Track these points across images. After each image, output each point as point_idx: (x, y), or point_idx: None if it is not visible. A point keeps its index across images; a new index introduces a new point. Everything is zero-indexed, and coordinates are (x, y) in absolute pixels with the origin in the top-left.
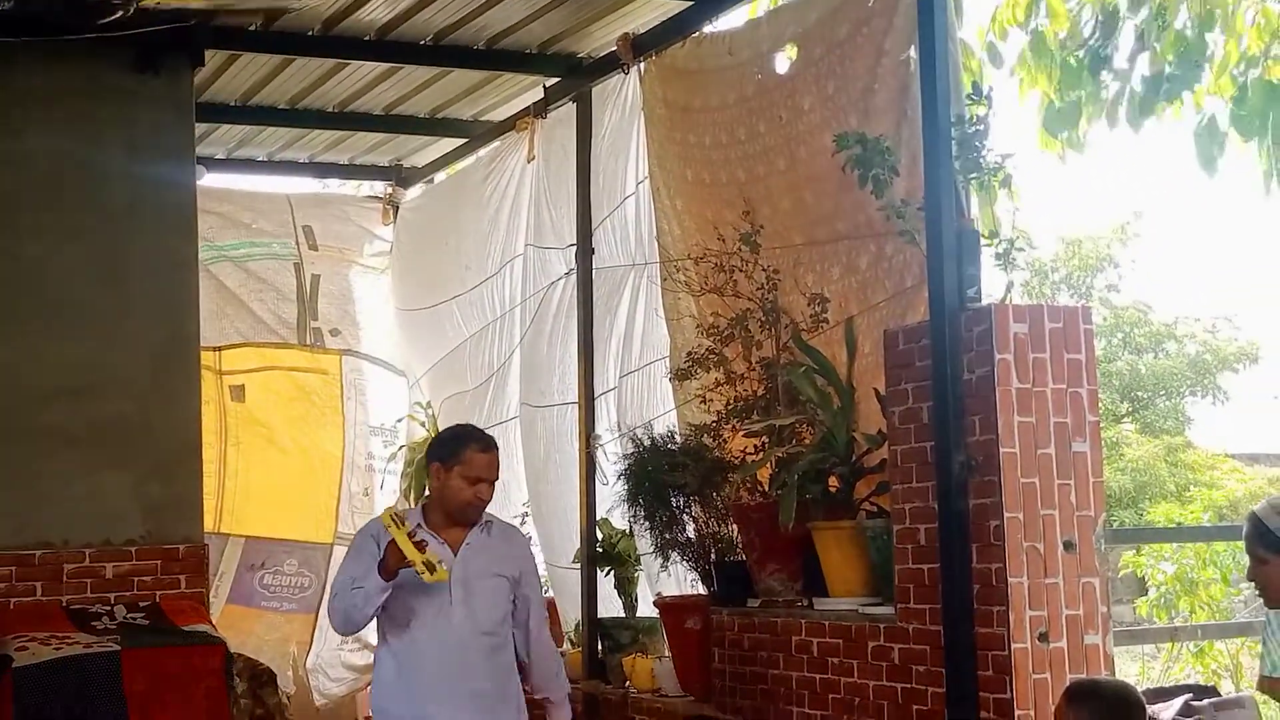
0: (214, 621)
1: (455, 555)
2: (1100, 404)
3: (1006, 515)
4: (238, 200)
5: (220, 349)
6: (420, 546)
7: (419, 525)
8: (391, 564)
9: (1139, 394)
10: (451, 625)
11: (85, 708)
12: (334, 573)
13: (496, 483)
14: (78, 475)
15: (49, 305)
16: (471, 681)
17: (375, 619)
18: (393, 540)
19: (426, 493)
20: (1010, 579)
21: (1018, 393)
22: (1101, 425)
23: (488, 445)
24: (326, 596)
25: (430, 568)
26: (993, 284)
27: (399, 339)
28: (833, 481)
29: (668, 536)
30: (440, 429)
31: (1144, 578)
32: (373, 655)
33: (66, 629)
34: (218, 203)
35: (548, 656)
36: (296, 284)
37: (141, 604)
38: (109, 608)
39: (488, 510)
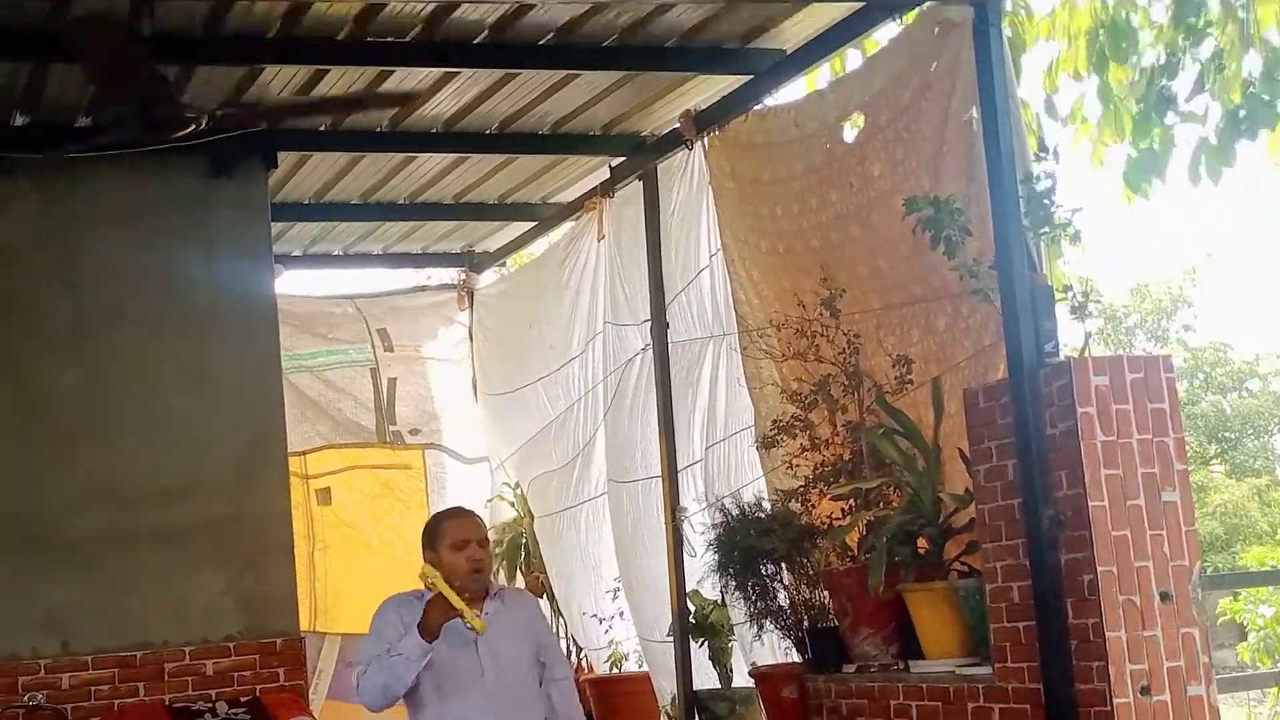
0: (315, 715)
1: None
2: (1187, 448)
3: (1100, 569)
4: (313, 311)
5: (305, 453)
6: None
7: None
8: (434, 619)
9: (1226, 434)
10: (486, 694)
11: None
12: None
13: (484, 545)
14: (174, 575)
15: (140, 411)
16: None
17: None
18: (435, 596)
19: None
20: (1108, 633)
21: (1103, 445)
22: (1190, 469)
23: (459, 510)
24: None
25: (475, 615)
26: (1068, 336)
27: (483, 423)
28: (921, 543)
29: (760, 605)
30: (531, 508)
31: (1243, 623)
32: None
33: None
34: (294, 314)
35: (571, 706)
36: (373, 390)
37: (243, 699)
38: (211, 704)
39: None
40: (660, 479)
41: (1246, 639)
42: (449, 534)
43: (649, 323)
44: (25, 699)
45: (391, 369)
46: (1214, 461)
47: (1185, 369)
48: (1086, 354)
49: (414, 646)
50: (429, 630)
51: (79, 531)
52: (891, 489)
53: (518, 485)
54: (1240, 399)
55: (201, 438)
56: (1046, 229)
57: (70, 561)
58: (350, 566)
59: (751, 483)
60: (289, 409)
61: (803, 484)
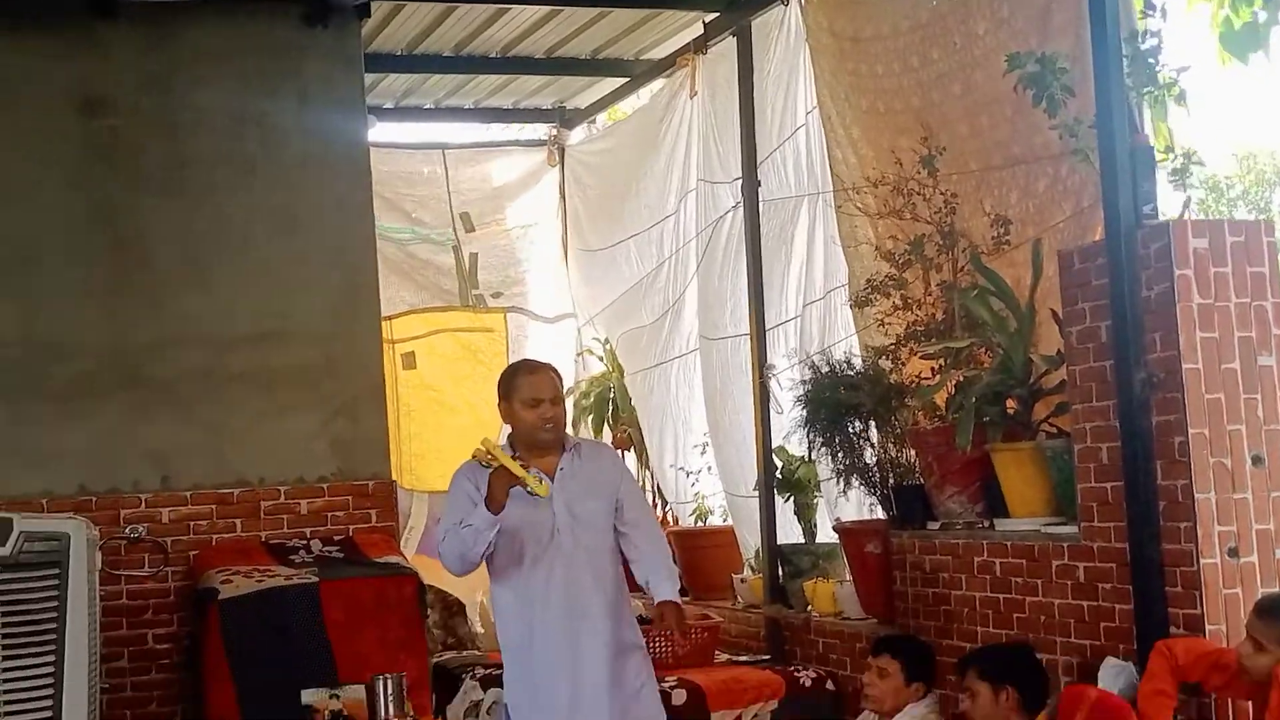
0: (406, 556)
1: (552, 483)
2: None
3: (1191, 431)
4: (400, 188)
5: (390, 318)
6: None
7: (513, 458)
8: (497, 492)
9: None
10: (561, 552)
11: (288, 637)
12: None
13: (558, 403)
14: (269, 417)
15: (234, 256)
16: (587, 603)
17: (486, 562)
18: (496, 469)
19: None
20: (1197, 495)
21: (1199, 308)
22: None
23: (535, 367)
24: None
25: (539, 480)
26: (1167, 203)
27: (573, 280)
28: (1010, 403)
29: (847, 461)
30: (620, 363)
31: None
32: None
33: (267, 563)
34: (381, 187)
35: (658, 547)
36: (455, 263)
37: (336, 538)
38: (305, 542)
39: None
40: (749, 336)
41: None
42: (522, 390)
43: (740, 180)
44: (127, 531)
45: (473, 245)
46: None
47: None
48: (1185, 217)
49: (482, 518)
50: (494, 502)
51: (175, 372)
52: (982, 350)
53: (607, 341)
54: None
55: (294, 283)
56: (1150, 88)
57: (167, 401)
58: (434, 429)
59: (843, 340)
60: None
61: (894, 342)
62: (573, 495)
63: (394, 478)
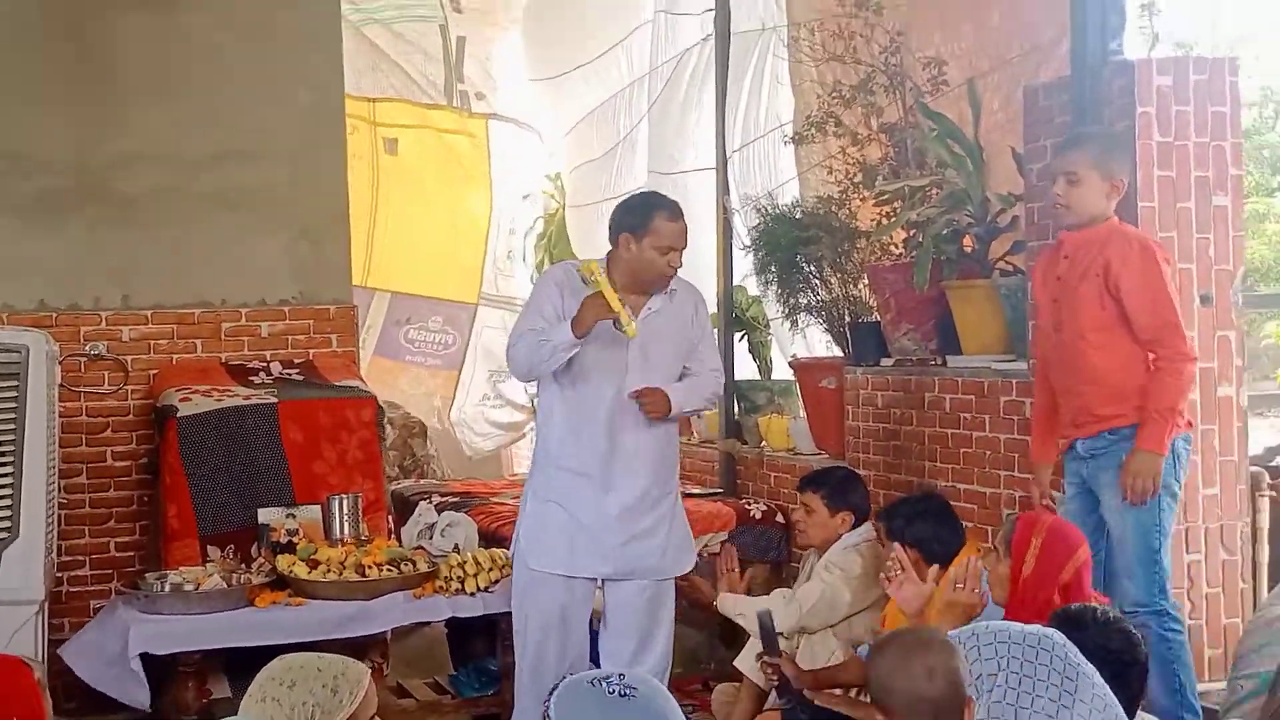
0: (362, 374)
1: (635, 318)
2: (1249, 173)
3: None
4: None
5: (375, 100)
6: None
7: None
8: (588, 316)
9: None
10: (625, 388)
11: (246, 456)
12: (478, 332)
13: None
14: (231, 238)
15: (199, 72)
16: (634, 441)
17: None
18: (596, 293)
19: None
20: None
21: (1159, 146)
22: (1250, 200)
23: (676, 214)
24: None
25: (630, 320)
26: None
27: (533, 108)
28: (967, 242)
29: (801, 300)
30: (569, 201)
31: None
32: (516, 414)
33: (226, 383)
34: None
35: (701, 378)
36: (443, 45)
37: (296, 361)
38: (265, 364)
39: None
40: (711, 170)
41: None
42: (661, 234)
43: (712, 12)
44: (87, 348)
45: (460, 27)
46: (1277, 193)
47: (1254, 100)
48: (1151, 55)
49: (564, 338)
50: (581, 326)
51: (139, 189)
52: (935, 190)
53: (558, 177)
54: None
55: (260, 102)
56: None
57: (128, 218)
58: (410, 225)
59: (788, 182)
60: (361, 58)
61: (840, 188)
62: (651, 337)
63: (360, 274)
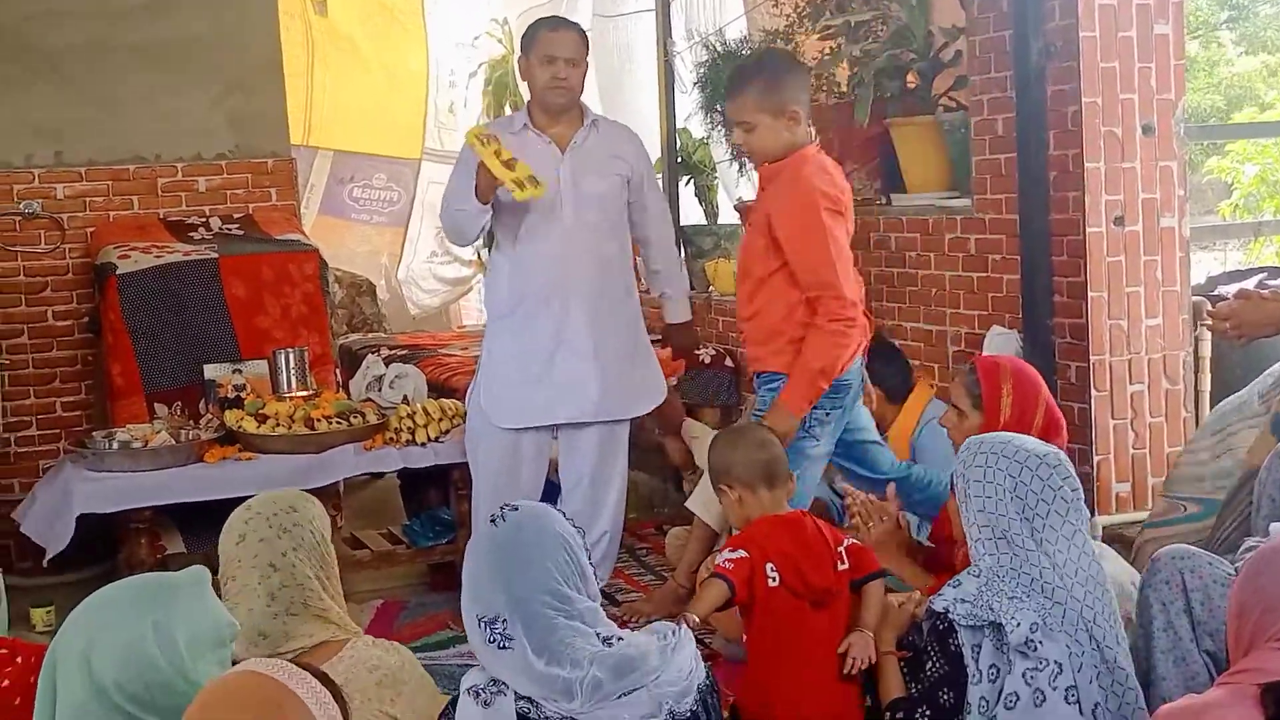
0: (306, 232)
1: (563, 154)
2: (1195, 8)
3: (1085, 100)
4: None
5: None
6: (510, 165)
7: (525, 125)
8: (483, 186)
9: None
10: (563, 227)
11: (189, 312)
12: (423, 188)
13: (576, 65)
14: (162, 93)
15: None
16: (582, 280)
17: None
18: (482, 162)
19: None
20: (1087, 164)
21: None
22: (1197, 35)
23: (558, 24)
24: (414, 210)
25: (520, 185)
26: None
27: None
28: (911, 78)
29: None
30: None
31: (1229, 182)
32: (463, 269)
33: (165, 239)
34: None
35: (667, 245)
36: None
37: (235, 216)
38: (204, 220)
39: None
40: (653, 13)
41: (1230, 197)
42: (540, 45)
43: None
44: (21, 206)
45: None
46: (1222, 28)
47: None
48: None
49: (472, 205)
50: (480, 194)
51: (64, 43)
52: (880, 24)
53: (505, 21)
54: None
55: None
56: None
57: (57, 74)
58: (348, 85)
59: (736, 19)
60: None
61: (789, 23)
62: (580, 169)
63: (300, 133)
